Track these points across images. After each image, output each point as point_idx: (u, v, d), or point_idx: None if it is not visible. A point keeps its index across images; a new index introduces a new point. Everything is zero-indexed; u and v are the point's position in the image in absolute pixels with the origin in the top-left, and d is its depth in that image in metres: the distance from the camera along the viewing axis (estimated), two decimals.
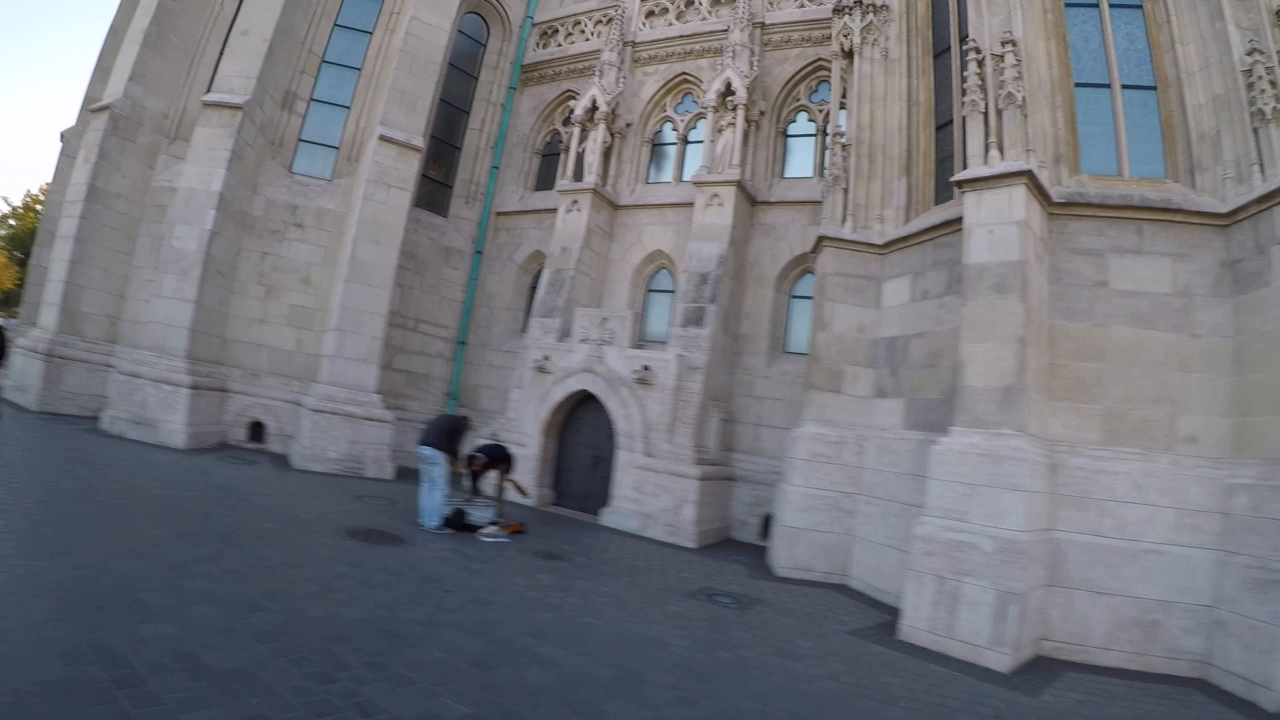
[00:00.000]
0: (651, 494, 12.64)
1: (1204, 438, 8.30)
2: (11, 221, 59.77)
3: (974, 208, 8.95)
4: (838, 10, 13.04)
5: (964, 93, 9.80)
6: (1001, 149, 8.94)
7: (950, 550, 8.02)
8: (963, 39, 11.35)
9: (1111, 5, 10.09)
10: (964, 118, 9.85)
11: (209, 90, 15.76)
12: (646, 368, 13.14)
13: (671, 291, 15.79)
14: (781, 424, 13.81)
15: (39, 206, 55.02)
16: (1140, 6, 9.99)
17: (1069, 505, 8.38)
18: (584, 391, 13.86)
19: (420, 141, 15.50)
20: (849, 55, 12.85)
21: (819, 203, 13.89)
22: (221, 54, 16.37)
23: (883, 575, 10.20)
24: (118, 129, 15.67)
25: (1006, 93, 9.01)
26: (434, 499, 10.48)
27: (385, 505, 11.64)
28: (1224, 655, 7.46)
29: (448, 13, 16.28)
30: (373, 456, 14.44)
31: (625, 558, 10.57)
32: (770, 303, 14.68)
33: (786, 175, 15.48)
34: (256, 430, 15.14)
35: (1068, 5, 10.25)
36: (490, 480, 12.28)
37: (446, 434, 10.79)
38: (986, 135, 9.14)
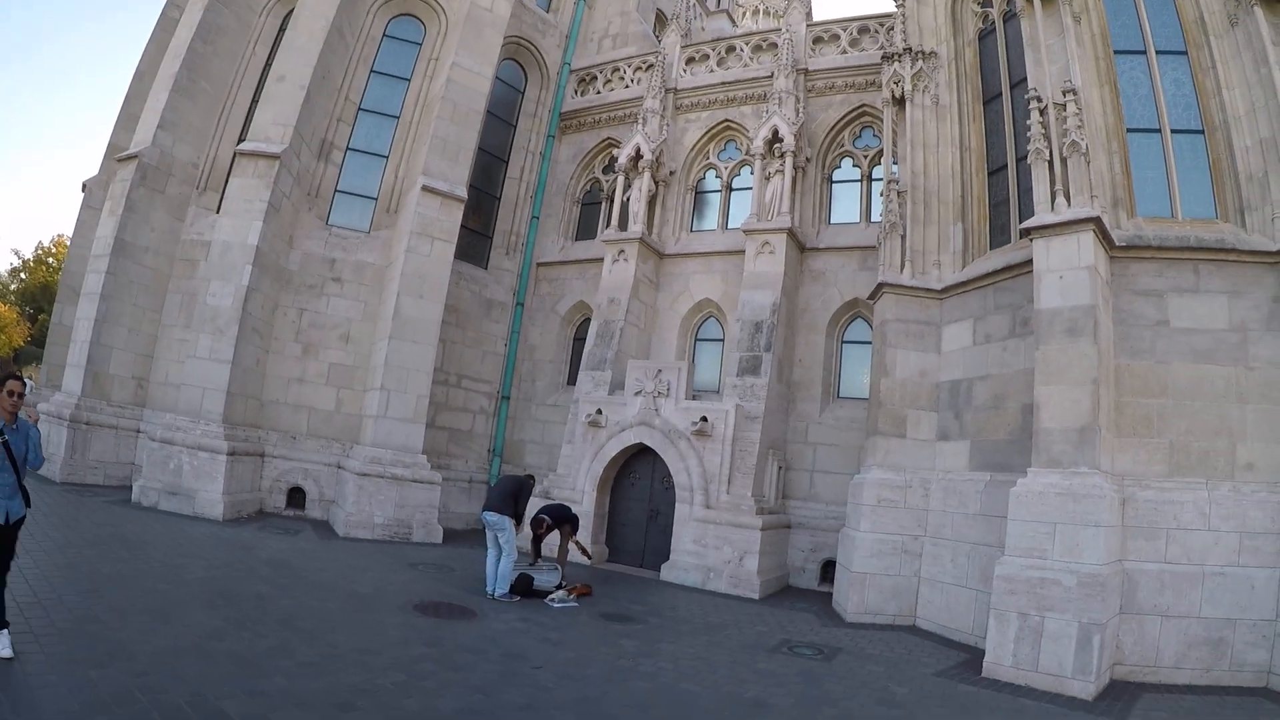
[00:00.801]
0: (713, 546, 13.66)
1: (1262, 465, 9.52)
2: (23, 275, 62.03)
3: (1043, 254, 10.20)
4: (887, 57, 14.49)
5: (1026, 140, 11.12)
6: (1068, 196, 10.19)
7: (1032, 588, 9.06)
8: (1013, 85, 12.85)
9: (1158, 52, 11.46)
10: (1028, 164, 11.17)
11: (242, 139, 16.86)
12: (704, 419, 14.25)
13: (720, 340, 17.09)
14: (837, 469, 14.95)
15: (51, 260, 57.26)
16: (1185, 53, 11.39)
17: (1138, 536, 9.54)
18: (639, 445, 14.99)
19: (463, 192, 16.53)
20: (899, 102, 14.23)
21: (868, 248, 15.36)
22: (254, 102, 17.72)
23: (952, 615, 11.33)
24: (146, 179, 16.66)
25: (1070, 141, 10.29)
26: (503, 565, 11.01)
27: (443, 573, 12.29)
28: None
29: (490, 60, 17.48)
30: (420, 520, 15.16)
31: (697, 614, 11.44)
32: (822, 349, 15.92)
33: (833, 221, 16.88)
34: (296, 496, 15.86)
35: (1117, 53, 11.64)
36: (552, 542, 13.03)
37: (512, 497, 11.34)
38: (1052, 183, 10.42)
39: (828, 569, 14.45)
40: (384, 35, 18.16)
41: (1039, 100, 10.87)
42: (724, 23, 27.76)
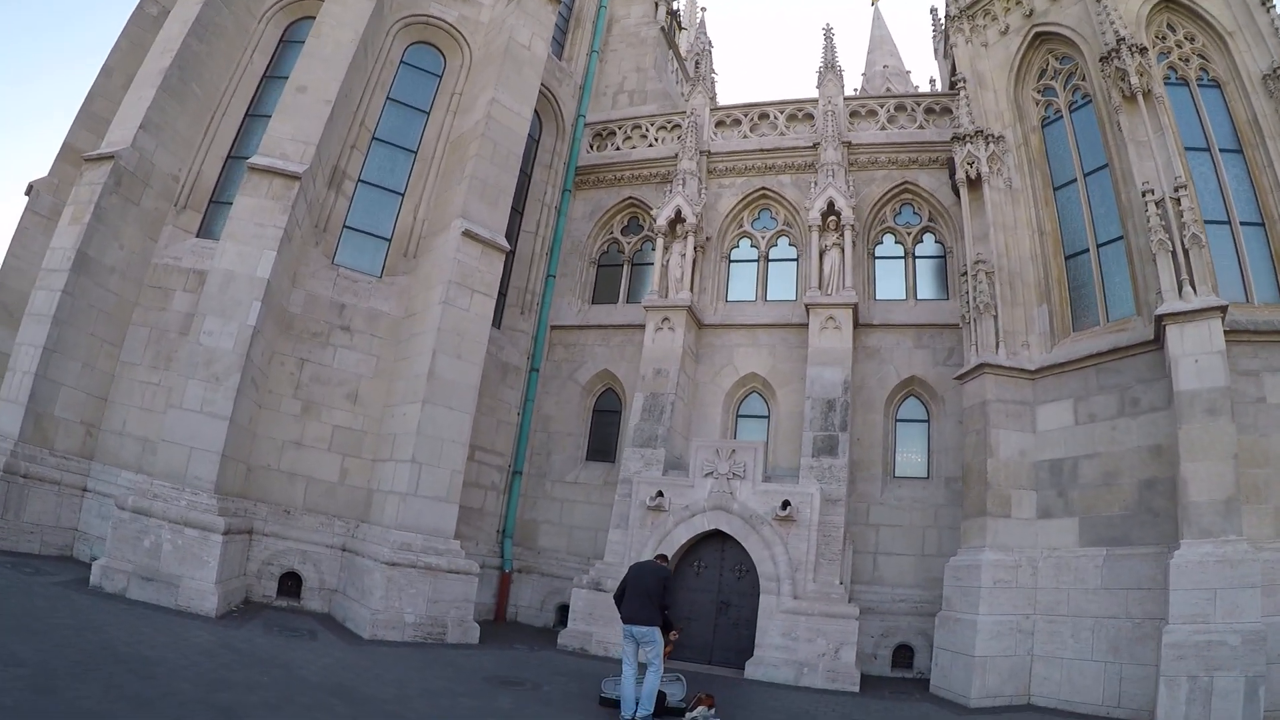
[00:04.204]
0: (805, 639, 15.39)
1: None
2: None
3: (1177, 340, 13.18)
4: (958, 138, 17.59)
5: (1115, 226, 14.38)
6: (1194, 285, 13.29)
7: (1200, 651, 11.67)
8: (1086, 173, 16.27)
9: (1221, 150, 15.20)
10: (1115, 249, 14.33)
11: (232, 154, 17.56)
12: (787, 503, 16.15)
13: (764, 417, 19.32)
14: (900, 551, 17.32)
15: None
16: (1241, 152, 15.19)
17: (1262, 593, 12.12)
18: (710, 531, 16.63)
19: (505, 241, 17.57)
20: (973, 183, 17.27)
21: (920, 326, 18.50)
22: (247, 115, 18.47)
23: (1076, 689, 13.70)
24: (121, 185, 16.49)
25: (1192, 234, 13.52)
26: (649, 683, 10.82)
27: (535, 692, 12.31)
28: None
29: (529, 100, 19.07)
30: (456, 618, 15.15)
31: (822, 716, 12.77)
32: (880, 428, 18.42)
33: (878, 297, 19.62)
34: (289, 582, 15.61)
35: (1188, 149, 15.17)
36: None
37: (659, 598, 11.15)
38: (1177, 271, 13.50)
39: (899, 654, 16.60)
40: (401, 62, 19.49)
41: (1154, 193, 14.06)
42: None
